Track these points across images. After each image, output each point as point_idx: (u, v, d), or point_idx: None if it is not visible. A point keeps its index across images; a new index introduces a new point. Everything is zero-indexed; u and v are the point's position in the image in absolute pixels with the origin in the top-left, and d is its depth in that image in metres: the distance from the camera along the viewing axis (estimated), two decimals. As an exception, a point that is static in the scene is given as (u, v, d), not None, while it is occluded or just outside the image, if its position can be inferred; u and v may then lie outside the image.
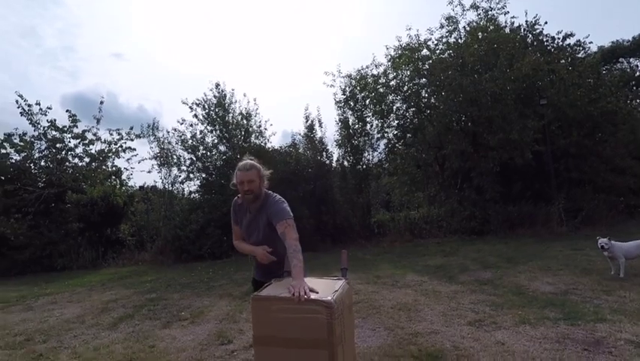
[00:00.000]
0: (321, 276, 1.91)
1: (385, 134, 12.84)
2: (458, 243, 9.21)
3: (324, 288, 1.62)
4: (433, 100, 12.32)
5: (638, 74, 19.64)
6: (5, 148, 11.76)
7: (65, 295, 6.44)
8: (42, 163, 12.26)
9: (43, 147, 12.22)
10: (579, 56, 12.56)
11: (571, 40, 12.70)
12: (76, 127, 12.59)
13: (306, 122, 11.90)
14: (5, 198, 10.92)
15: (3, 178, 11.52)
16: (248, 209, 2.28)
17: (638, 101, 15.51)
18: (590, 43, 12.79)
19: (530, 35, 12.71)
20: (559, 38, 12.71)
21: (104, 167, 13.36)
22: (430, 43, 12.26)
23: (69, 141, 12.56)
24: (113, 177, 13.39)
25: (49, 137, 12.18)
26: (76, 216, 10.99)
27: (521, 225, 9.97)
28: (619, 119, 11.68)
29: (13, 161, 11.85)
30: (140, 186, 15.29)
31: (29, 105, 11.99)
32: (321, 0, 58.97)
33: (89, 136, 12.80)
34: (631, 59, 20.48)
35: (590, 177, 10.96)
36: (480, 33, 11.58)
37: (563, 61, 12.08)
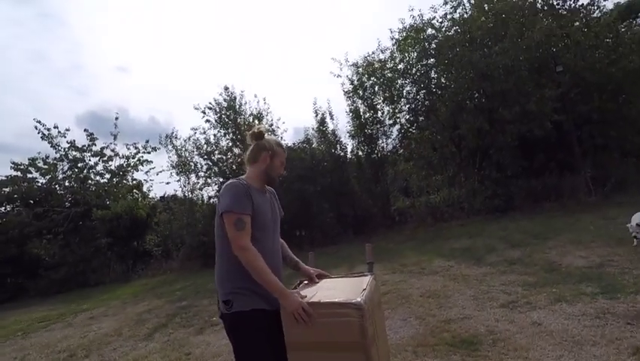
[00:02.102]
0: (346, 273, 1.88)
1: (397, 120, 12.62)
2: (482, 223, 9.02)
3: (351, 288, 1.58)
4: (443, 80, 12.00)
5: (659, 27, 18.63)
6: (31, 172, 12.21)
7: (101, 310, 6.67)
8: (66, 183, 12.69)
9: (65, 168, 12.64)
10: (594, 16, 11.96)
11: (584, 1, 12.11)
12: (95, 145, 12.96)
13: (316, 116, 11.85)
14: (36, 220, 11.36)
15: (32, 202, 11.98)
16: (258, 194, 1.69)
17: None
18: (604, 1, 12.18)
19: (539, 0, 12.18)
20: (571, 0, 12.14)
21: (124, 181, 13.71)
22: (434, 21, 11.94)
23: (89, 160, 12.96)
24: (135, 191, 13.74)
25: (70, 157, 12.57)
26: (104, 232, 11.34)
27: (547, 198, 9.65)
28: (643, 78, 11.09)
29: (40, 184, 12.30)
30: (160, 197, 15.65)
31: (48, 129, 12.39)
32: (319, -9, 58.34)
33: (108, 153, 13.16)
34: (650, 13, 19.41)
35: (616, 142, 10.48)
36: (486, 5, 11.18)
37: (577, 23, 11.51)
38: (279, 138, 11.77)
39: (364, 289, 1.52)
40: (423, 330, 3.32)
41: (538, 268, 4.57)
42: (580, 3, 12.08)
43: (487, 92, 10.60)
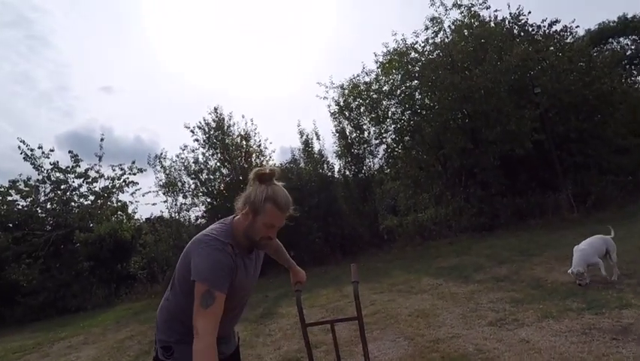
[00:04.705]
0: None
1: (384, 140, 12.85)
2: (469, 241, 9.09)
3: None
4: (427, 100, 12.34)
5: (629, 52, 19.68)
6: (11, 195, 11.87)
7: (80, 338, 6.39)
8: (48, 206, 12.34)
9: (48, 190, 12.33)
10: (567, 41, 12.59)
11: (557, 27, 12.74)
12: (79, 166, 12.72)
13: (301, 137, 11.97)
14: (15, 245, 10.95)
15: (11, 225, 11.60)
16: (243, 260, 1.42)
17: (632, 79, 15.48)
18: (576, 27, 12.83)
19: (516, 26, 12.78)
20: (544, 26, 12.76)
21: (109, 203, 13.42)
22: (417, 45, 12.36)
23: (73, 181, 12.67)
24: (120, 213, 13.44)
25: (53, 179, 12.30)
26: (86, 255, 10.99)
27: (531, 215, 9.84)
28: (616, 100, 11.59)
29: (20, 207, 11.95)
30: (146, 218, 15.31)
31: (31, 149, 12.14)
32: (306, 16, 59.92)
33: (92, 174, 12.91)
34: (620, 39, 20.54)
35: (594, 160, 10.83)
36: (465, 30, 11.67)
37: (552, 48, 12.10)
38: (267, 159, 11.76)
39: None
40: (412, 350, 3.29)
41: (525, 285, 4.61)
42: (554, 29, 12.76)
43: (469, 113, 10.93)
